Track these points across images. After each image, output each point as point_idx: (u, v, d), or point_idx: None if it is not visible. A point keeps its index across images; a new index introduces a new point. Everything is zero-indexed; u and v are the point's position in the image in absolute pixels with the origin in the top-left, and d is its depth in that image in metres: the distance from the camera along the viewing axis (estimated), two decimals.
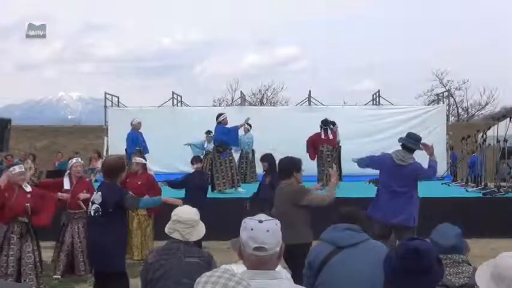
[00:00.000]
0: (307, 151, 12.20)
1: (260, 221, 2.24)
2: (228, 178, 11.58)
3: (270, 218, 2.29)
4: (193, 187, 8.46)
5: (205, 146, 13.91)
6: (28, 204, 6.13)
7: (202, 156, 13.17)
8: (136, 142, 12.40)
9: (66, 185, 7.20)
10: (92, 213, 5.43)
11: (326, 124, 12.36)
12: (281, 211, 5.26)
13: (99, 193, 5.42)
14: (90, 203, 5.61)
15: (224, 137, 11.62)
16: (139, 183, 8.24)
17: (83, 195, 7.07)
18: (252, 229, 2.22)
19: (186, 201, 8.18)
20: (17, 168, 6.20)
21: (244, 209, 7.97)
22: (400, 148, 6.37)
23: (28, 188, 6.27)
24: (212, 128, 14.13)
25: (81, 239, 7.14)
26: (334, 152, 12.48)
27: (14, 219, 6.09)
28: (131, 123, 12.71)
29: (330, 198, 5.47)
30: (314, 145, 12.28)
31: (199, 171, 8.90)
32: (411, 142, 6.33)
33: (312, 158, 12.14)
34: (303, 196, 5.38)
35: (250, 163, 14.62)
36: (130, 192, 5.69)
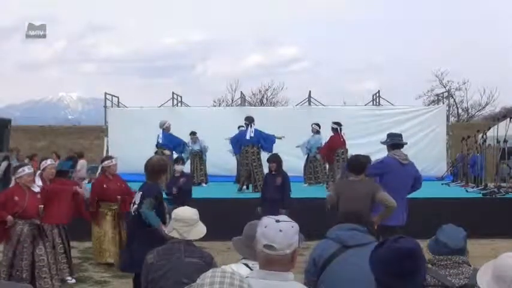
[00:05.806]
0: (326, 157, 12.17)
1: (277, 221, 2.21)
2: None
3: (289, 220, 2.26)
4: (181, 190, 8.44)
5: (190, 147, 13.86)
6: (42, 206, 6.04)
7: (187, 158, 13.19)
8: (172, 141, 12.34)
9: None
10: (132, 213, 5.51)
11: (341, 125, 12.23)
12: (355, 201, 5.31)
13: (140, 193, 5.48)
14: (131, 204, 5.66)
15: (263, 143, 11.58)
16: (118, 185, 7.77)
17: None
18: (265, 226, 2.21)
19: (173, 203, 8.23)
20: (26, 169, 6.02)
21: (257, 214, 7.86)
22: (392, 150, 6.36)
23: (36, 189, 6.15)
24: (212, 128, 14.11)
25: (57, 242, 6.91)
26: (345, 154, 11.98)
27: (27, 221, 5.94)
28: (161, 126, 12.52)
29: (394, 204, 5.50)
30: (333, 149, 11.96)
31: (181, 173, 8.81)
32: (401, 140, 6.47)
33: (331, 162, 11.96)
34: (380, 192, 5.53)
35: None
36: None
